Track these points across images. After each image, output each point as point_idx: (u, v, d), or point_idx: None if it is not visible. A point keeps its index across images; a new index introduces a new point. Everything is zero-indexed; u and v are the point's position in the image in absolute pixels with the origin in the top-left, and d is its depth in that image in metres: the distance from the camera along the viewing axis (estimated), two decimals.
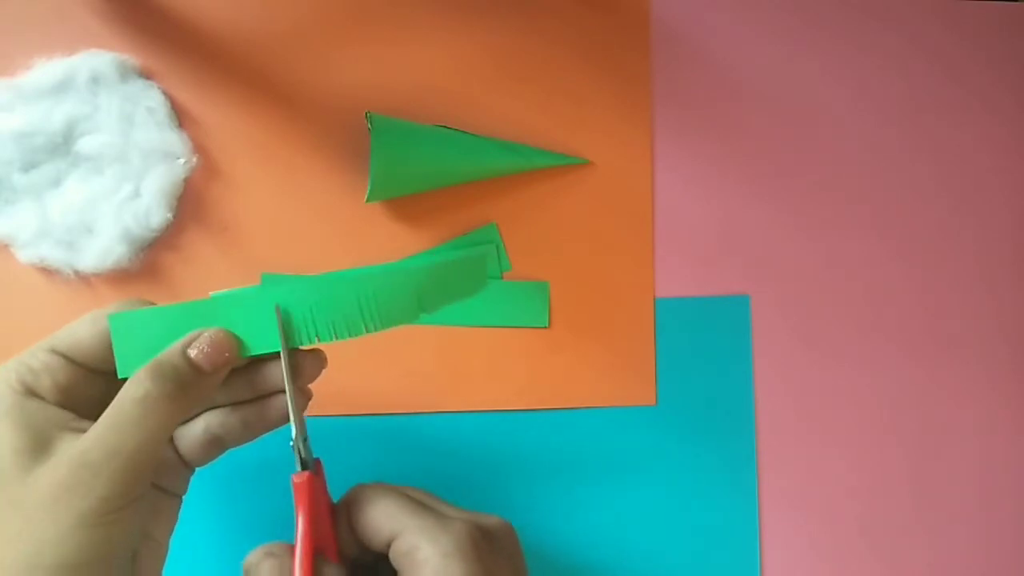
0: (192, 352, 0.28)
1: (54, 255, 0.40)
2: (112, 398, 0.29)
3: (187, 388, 0.28)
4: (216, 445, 0.31)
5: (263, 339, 0.30)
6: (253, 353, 0.30)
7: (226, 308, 0.29)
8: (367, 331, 0.31)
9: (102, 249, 0.40)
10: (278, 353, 0.30)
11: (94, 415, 0.28)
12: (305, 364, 0.31)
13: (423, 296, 0.32)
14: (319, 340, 0.30)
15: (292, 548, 0.28)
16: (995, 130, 0.48)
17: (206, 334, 0.29)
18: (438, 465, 0.42)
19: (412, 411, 0.42)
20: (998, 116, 0.48)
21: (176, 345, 0.29)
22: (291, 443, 0.29)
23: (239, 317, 0.29)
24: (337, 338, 0.30)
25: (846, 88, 0.47)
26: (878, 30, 0.48)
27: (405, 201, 0.43)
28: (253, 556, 0.28)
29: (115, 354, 0.29)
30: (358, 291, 0.30)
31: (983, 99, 0.48)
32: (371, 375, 0.42)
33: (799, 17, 0.47)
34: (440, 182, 0.43)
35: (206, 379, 0.29)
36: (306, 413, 0.31)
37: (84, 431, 0.27)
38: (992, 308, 0.47)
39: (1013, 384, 0.47)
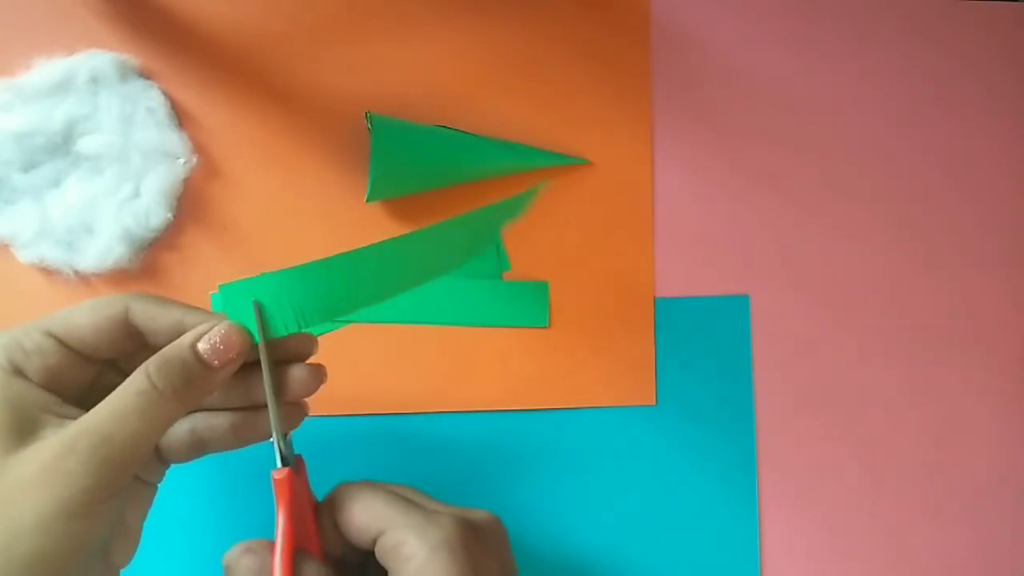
0: (201, 347, 0.27)
1: (54, 255, 0.40)
2: (98, 387, 0.29)
3: (193, 383, 0.27)
4: (199, 447, 0.30)
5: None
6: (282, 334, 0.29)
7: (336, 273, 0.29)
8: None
9: (102, 249, 0.40)
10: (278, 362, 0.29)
11: (78, 402, 0.28)
12: (303, 377, 0.30)
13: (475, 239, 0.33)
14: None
15: (272, 545, 0.28)
16: (1001, 130, 0.48)
17: (217, 328, 0.28)
18: (438, 465, 0.42)
19: (412, 411, 0.42)
20: (1004, 116, 0.48)
21: (185, 338, 0.28)
22: (271, 439, 0.29)
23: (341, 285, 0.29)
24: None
25: (847, 87, 0.47)
26: (881, 30, 0.48)
27: (405, 201, 0.43)
28: (232, 553, 0.28)
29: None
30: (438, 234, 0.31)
31: (989, 99, 0.48)
32: (371, 375, 0.42)
33: (800, 16, 0.47)
34: (440, 182, 0.43)
35: (213, 375, 0.28)
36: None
37: (68, 417, 0.27)
38: (995, 307, 0.47)
39: (1017, 384, 0.47)
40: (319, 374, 0.30)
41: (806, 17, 0.47)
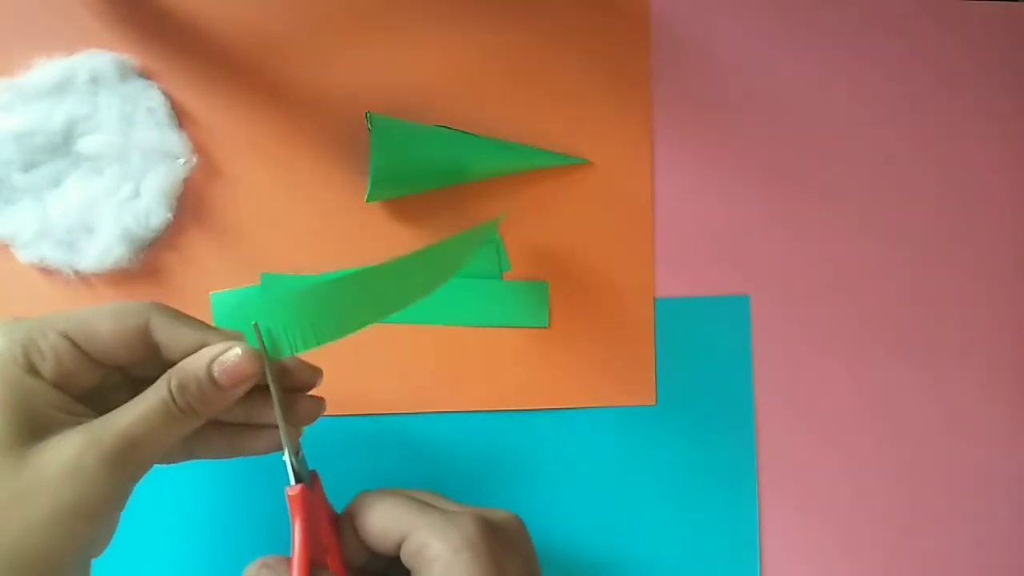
0: (216, 369, 0.28)
1: (54, 255, 0.40)
2: (104, 389, 0.30)
3: (207, 400, 0.28)
4: (188, 453, 0.31)
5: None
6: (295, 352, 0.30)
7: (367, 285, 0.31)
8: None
9: (102, 249, 0.40)
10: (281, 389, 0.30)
11: (83, 402, 0.28)
12: (307, 407, 0.31)
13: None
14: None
15: (289, 560, 0.28)
16: (995, 131, 0.48)
17: (232, 351, 0.28)
18: (438, 465, 0.42)
19: (412, 411, 0.42)
20: (998, 118, 0.48)
21: (203, 356, 0.28)
22: (283, 456, 0.29)
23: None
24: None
25: (846, 88, 0.47)
26: (878, 32, 0.48)
27: (405, 201, 0.43)
28: (250, 569, 0.29)
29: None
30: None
31: (983, 101, 0.48)
32: (370, 375, 0.42)
33: (799, 18, 0.47)
34: (440, 182, 0.43)
35: (226, 394, 0.28)
36: None
37: (79, 415, 0.27)
38: (993, 309, 0.47)
39: (1017, 384, 0.47)
40: (321, 406, 0.32)
41: (806, 17, 0.47)
